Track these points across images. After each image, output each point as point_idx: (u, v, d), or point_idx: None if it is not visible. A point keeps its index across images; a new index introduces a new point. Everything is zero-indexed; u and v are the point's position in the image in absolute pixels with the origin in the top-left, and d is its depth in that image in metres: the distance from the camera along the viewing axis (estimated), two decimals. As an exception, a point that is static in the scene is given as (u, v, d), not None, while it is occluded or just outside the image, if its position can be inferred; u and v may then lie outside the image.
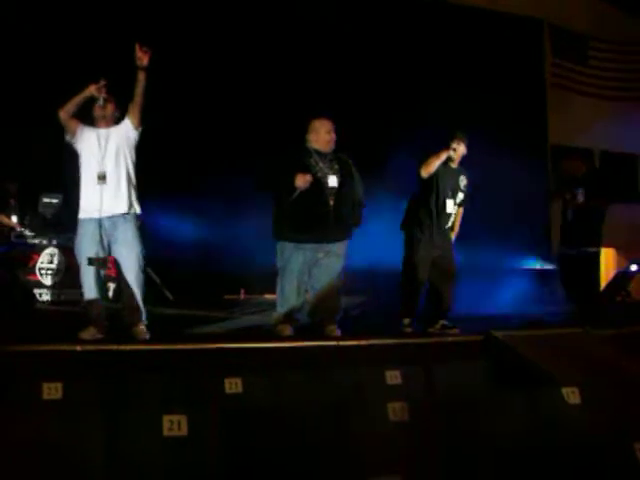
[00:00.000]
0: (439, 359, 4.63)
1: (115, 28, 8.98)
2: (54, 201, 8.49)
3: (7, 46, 8.91)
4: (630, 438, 4.13)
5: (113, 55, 8.81)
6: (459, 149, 5.86)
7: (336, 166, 5.53)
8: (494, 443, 4.12)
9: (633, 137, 15.13)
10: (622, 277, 12.89)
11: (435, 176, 5.77)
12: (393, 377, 4.29)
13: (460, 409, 4.24)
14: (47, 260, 8.12)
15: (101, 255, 5.07)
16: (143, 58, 5.01)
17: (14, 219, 8.19)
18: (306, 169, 5.41)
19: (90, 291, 5.09)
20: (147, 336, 5.01)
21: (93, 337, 4.91)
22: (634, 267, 12.81)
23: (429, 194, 5.79)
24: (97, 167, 5.06)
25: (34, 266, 7.98)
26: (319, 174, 5.43)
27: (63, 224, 8.50)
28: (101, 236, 5.04)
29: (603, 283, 11.10)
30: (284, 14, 10.56)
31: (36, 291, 7.93)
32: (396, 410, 4.07)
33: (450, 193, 5.84)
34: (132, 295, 5.09)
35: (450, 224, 5.91)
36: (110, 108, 5.22)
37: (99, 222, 5.03)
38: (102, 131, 5.17)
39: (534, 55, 14.11)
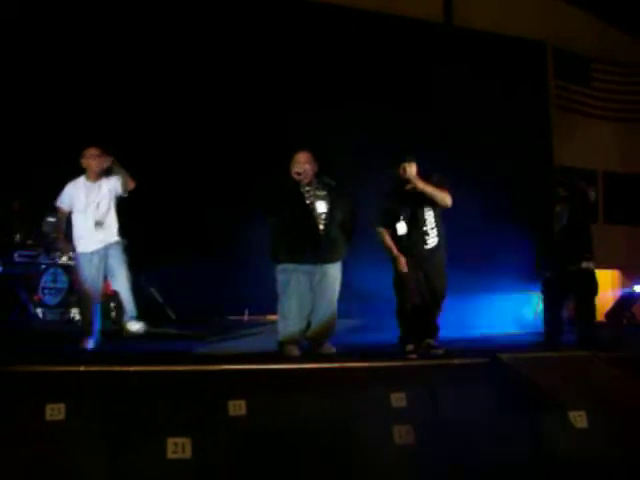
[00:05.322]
0: (445, 382, 4.59)
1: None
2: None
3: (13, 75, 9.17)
4: (639, 461, 4.10)
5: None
6: (410, 171, 5.82)
7: (323, 192, 5.69)
8: (499, 467, 4.09)
9: (637, 158, 15.16)
10: (627, 299, 12.85)
11: (390, 210, 5.82)
12: (399, 400, 4.25)
13: (466, 432, 4.21)
14: (51, 279, 8.10)
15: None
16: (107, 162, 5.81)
17: (17, 237, 8.22)
18: (297, 197, 5.61)
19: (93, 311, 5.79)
20: (138, 327, 5.74)
21: (91, 347, 5.59)
22: (638, 288, 12.78)
23: (393, 222, 5.83)
24: (92, 215, 5.75)
25: (38, 285, 7.95)
26: (308, 201, 5.62)
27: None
28: (98, 260, 5.76)
29: (603, 303, 11.09)
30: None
31: (39, 310, 7.91)
32: (402, 433, 4.05)
33: (412, 216, 5.80)
34: (125, 296, 5.79)
35: (431, 239, 5.82)
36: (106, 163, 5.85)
37: (91, 254, 5.76)
38: (93, 185, 5.83)
39: (538, 77, 14.20)
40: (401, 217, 5.80)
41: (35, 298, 7.91)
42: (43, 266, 8.09)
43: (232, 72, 10.63)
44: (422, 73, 12.00)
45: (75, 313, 8.21)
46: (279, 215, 5.63)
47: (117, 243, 5.84)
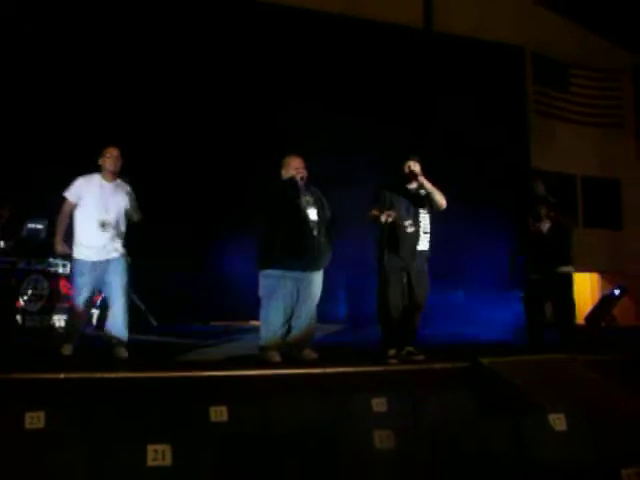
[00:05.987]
0: (425, 386, 4.61)
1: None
2: (39, 226, 8.43)
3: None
4: (617, 464, 4.13)
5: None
6: (416, 168, 5.85)
7: (312, 199, 5.72)
8: (480, 470, 4.11)
9: (615, 162, 15.33)
10: (606, 301, 12.97)
11: (390, 202, 5.79)
12: (379, 404, 4.27)
13: (446, 436, 4.23)
14: (31, 286, 8.03)
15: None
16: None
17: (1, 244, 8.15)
18: (292, 202, 5.58)
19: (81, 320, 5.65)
20: (126, 355, 5.43)
21: (71, 352, 5.43)
22: (617, 291, 12.90)
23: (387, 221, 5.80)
24: (100, 215, 5.55)
25: (17, 292, 7.88)
26: (302, 206, 5.61)
27: (47, 250, 8.47)
28: (95, 270, 5.55)
29: (583, 306, 11.18)
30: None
31: (19, 317, 7.84)
32: (382, 438, 4.06)
33: (407, 214, 5.80)
34: (119, 320, 5.54)
35: (423, 242, 5.83)
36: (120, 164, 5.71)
37: (93, 265, 5.54)
38: (108, 184, 5.67)
39: (516, 82, 14.31)
40: (406, 216, 5.79)
41: (16, 304, 7.84)
42: (23, 272, 8.03)
43: (225, 79, 10.72)
44: (401, 78, 12.06)
45: (56, 320, 8.17)
46: (274, 214, 5.58)
47: (121, 259, 5.64)
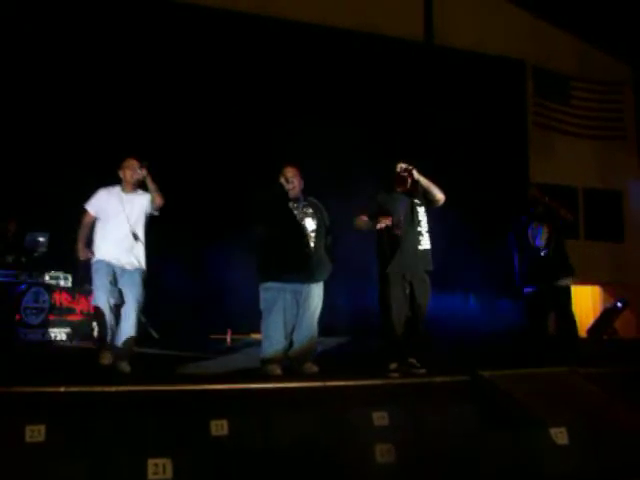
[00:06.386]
0: (426, 400, 4.60)
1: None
2: (40, 239, 8.46)
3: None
4: (618, 477, 4.12)
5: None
6: (409, 166, 5.85)
7: (310, 210, 5.71)
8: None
9: (616, 174, 15.34)
10: (608, 314, 12.95)
11: (385, 207, 5.78)
12: (380, 418, 4.26)
13: (447, 450, 4.22)
14: (32, 299, 8.05)
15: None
16: (141, 174, 5.61)
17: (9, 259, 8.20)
18: (287, 209, 5.61)
19: (107, 320, 5.41)
20: (128, 369, 5.30)
21: (110, 361, 5.27)
22: (620, 304, 12.89)
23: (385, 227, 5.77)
24: (121, 226, 5.51)
25: (19, 305, 7.89)
26: (298, 217, 5.62)
27: (49, 263, 8.50)
28: (114, 276, 5.46)
29: (585, 319, 11.15)
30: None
31: (21, 330, 7.85)
32: (383, 452, 4.05)
33: (404, 217, 5.78)
34: (127, 334, 5.43)
35: (424, 241, 5.80)
36: (142, 174, 5.63)
37: (112, 267, 5.47)
38: (127, 196, 5.62)
39: (517, 95, 14.34)
40: (399, 216, 5.76)
41: (16, 318, 7.85)
42: (24, 285, 8.05)
43: (228, 91, 10.80)
44: (402, 91, 12.11)
45: (57, 333, 8.19)
46: (269, 225, 5.59)
47: (139, 272, 5.56)
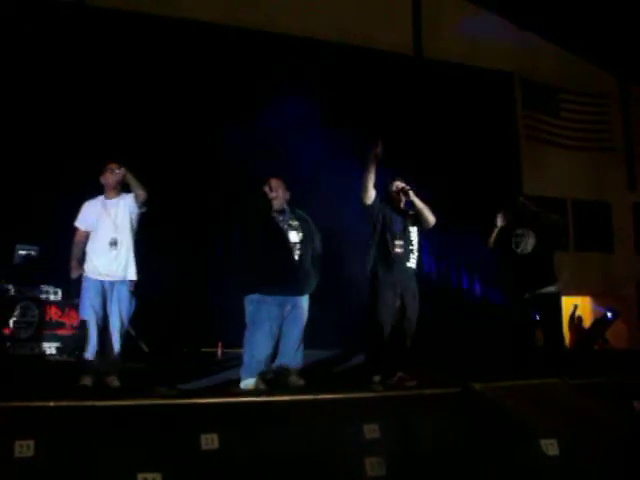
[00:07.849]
0: (418, 412, 4.60)
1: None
2: (30, 253, 8.42)
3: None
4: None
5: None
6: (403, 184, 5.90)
7: (295, 222, 5.69)
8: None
9: (605, 186, 15.44)
10: (599, 325, 13.00)
11: (381, 220, 5.80)
12: (371, 431, 4.24)
13: (438, 463, 4.21)
14: (21, 313, 8.00)
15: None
16: (120, 173, 5.57)
17: None
18: (270, 219, 5.61)
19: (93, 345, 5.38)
20: (117, 384, 5.33)
21: (90, 383, 5.24)
22: (610, 315, 12.95)
23: (378, 237, 5.80)
24: (107, 234, 5.47)
25: (7, 319, 7.85)
26: (283, 228, 5.61)
27: (38, 276, 8.46)
28: (103, 293, 5.44)
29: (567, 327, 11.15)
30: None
31: (10, 345, 7.80)
32: (373, 465, 4.03)
33: (398, 233, 5.80)
34: (113, 349, 5.43)
35: (413, 259, 5.82)
36: (121, 176, 5.58)
37: (101, 282, 5.44)
38: (111, 201, 5.58)
39: (506, 107, 14.44)
40: (397, 234, 5.79)
41: (5, 331, 7.81)
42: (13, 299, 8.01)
43: (217, 105, 10.86)
44: (392, 104, 12.14)
45: (46, 347, 8.13)
46: (251, 235, 5.58)
47: (128, 284, 5.52)
